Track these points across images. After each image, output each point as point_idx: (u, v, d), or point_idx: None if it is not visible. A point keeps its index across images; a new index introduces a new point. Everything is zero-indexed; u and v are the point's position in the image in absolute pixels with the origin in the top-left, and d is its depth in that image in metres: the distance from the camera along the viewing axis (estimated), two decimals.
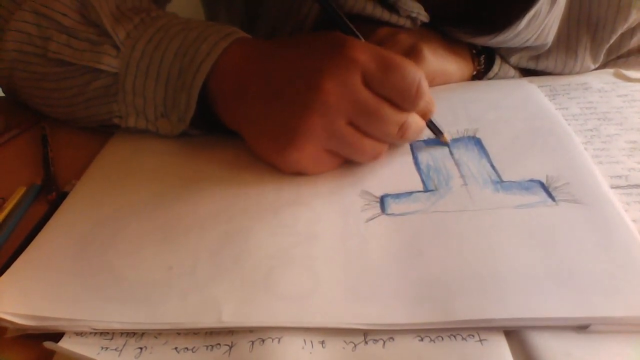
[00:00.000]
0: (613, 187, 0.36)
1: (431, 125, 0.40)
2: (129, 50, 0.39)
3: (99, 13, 0.40)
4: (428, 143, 0.42)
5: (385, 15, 0.48)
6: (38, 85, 0.43)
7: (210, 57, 0.37)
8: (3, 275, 0.31)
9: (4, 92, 0.49)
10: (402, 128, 0.36)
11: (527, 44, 0.48)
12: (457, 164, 0.39)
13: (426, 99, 0.36)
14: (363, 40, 0.38)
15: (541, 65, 0.51)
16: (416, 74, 0.35)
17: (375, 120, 0.35)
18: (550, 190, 0.36)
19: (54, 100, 0.44)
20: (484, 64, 0.51)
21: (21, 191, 0.40)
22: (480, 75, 0.52)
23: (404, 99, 0.35)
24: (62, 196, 0.39)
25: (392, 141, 0.38)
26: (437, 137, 0.41)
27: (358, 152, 0.37)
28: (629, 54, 0.52)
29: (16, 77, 0.44)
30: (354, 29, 0.39)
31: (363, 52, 0.34)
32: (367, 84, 0.34)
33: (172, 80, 0.39)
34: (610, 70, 0.52)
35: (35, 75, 0.43)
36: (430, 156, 0.40)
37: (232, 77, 0.38)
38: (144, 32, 0.39)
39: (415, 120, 0.37)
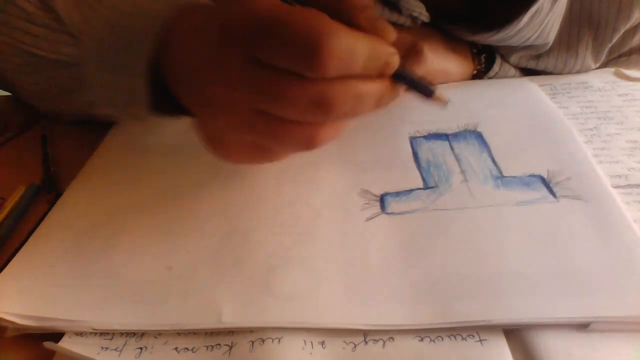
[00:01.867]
0: (613, 186, 0.35)
1: (410, 83, 0.29)
2: (83, 36, 0.35)
3: None
4: (428, 139, 0.42)
5: (385, 13, 0.47)
6: (19, 77, 0.42)
7: (148, 36, 0.31)
8: (1, 274, 0.31)
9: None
10: (323, 103, 0.26)
11: (528, 43, 0.48)
12: (457, 158, 0.39)
13: (343, 55, 0.25)
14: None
15: (541, 65, 0.51)
16: (313, 27, 0.24)
17: (279, 99, 0.26)
18: (551, 185, 0.36)
19: (36, 94, 0.42)
20: (484, 63, 0.51)
21: (21, 191, 0.40)
22: (480, 74, 0.52)
23: (298, 64, 0.25)
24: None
25: (318, 120, 0.28)
26: (427, 97, 0.29)
27: (279, 141, 0.29)
28: (631, 52, 0.52)
29: (2, 68, 0.42)
30: None
31: (237, 16, 0.26)
32: (252, 58, 0.26)
33: (123, 66, 0.33)
34: (611, 70, 0.52)
35: (14, 65, 0.41)
36: (430, 151, 0.40)
37: (172, 57, 0.32)
38: (98, 13, 0.35)
39: (347, 88, 0.26)
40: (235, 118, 0.28)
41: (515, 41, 0.47)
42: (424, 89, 0.29)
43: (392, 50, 0.28)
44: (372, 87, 0.27)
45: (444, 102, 0.29)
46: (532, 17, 0.44)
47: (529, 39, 0.47)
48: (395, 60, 0.28)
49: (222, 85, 0.28)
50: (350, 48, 0.25)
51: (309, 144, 0.29)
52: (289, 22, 0.25)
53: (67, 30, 0.36)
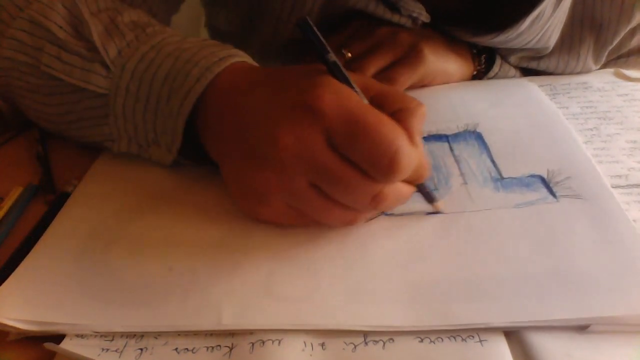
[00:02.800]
0: (613, 186, 0.36)
1: (422, 190, 0.34)
2: (119, 70, 0.36)
3: (90, 28, 0.37)
4: (428, 140, 0.42)
5: (387, 14, 0.48)
6: (32, 96, 0.41)
7: (199, 84, 0.34)
8: (6, 281, 0.31)
9: (2, 99, 0.47)
10: (376, 199, 0.30)
11: (529, 46, 0.48)
12: (457, 160, 0.39)
13: (408, 169, 0.29)
14: (347, 77, 0.31)
15: (542, 66, 0.51)
16: (393, 141, 0.28)
17: (340, 188, 0.30)
18: (551, 185, 0.36)
19: (48, 116, 0.41)
20: (484, 64, 0.51)
21: (18, 191, 0.40)
22: (480, 74, 0.52)
23: (374, 170, 0.29)
24: (62, 196, 0.39)
25: (364, 210, 0.32)
26: (429, 203, 0.35)
27: (323, 217, 0.32)
28: (629, 54, 0.52)
29: (13, 85, 0.42)
30: (343, 70, 0.31)
31: (332, 104, 0.28)
32: (332, 144, 0.29)
33: (162, 105, 0.35)
34: (611, 70, 0.52)
35: (29, 85, 0.40)
36: (430, 154, 0.40)
37: (215, 109, 0.34)
38: (135, 50, 0.36)
39: (395, 189, 0.31)
40: (291, 185, 0.30)
41: (515, 44, 0.47)
42: (430, 196, 0.34)
43: (427, 165, 0.32)
44: (408, 190, 0.32)
45: (439, 210, 0.35)
46: (533, 22, 0.44)
47: (529, 42, 0.47)
48: (426, 174, 0.33)
49: (292, 153, 0.29)
50: (412, 163, 0.29)
51: (349, 224, 0.33)
52: (377, 130, 0.28)
53: (101, 60, 0.37)
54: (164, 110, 0.35)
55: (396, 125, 0.29)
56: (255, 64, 0.37)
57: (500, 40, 0.46)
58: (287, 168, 0.30)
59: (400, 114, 0.31)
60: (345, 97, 0.29)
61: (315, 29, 0.30)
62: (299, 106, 0.29)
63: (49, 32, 0.38)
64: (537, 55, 0.50)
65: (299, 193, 0.30)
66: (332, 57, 0.30)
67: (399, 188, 0.31)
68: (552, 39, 0.48)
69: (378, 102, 0.32)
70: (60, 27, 0.38)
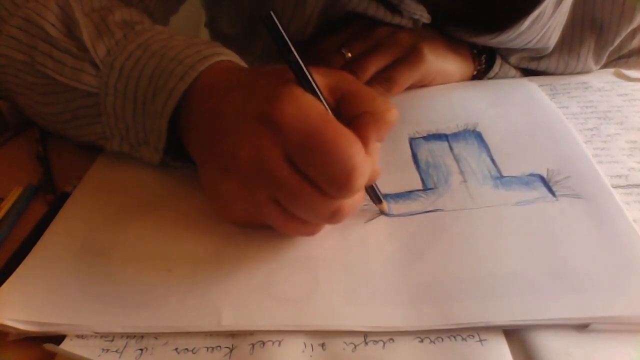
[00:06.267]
0: (613, 186, 0.35)
1: (370, 191, 0.34)
2: (108, 68, 0.36)
3: (80, 27, 0.37)
4: (427, 139, 0.42)
5: (387, 16, 0.48)
6: (29, 95, 0.41)
7: (183, 82, 0.33)
8: (6, 282, 0.31)
9: (2, 98, 0.47)
10: (335, 215, 0.29)
11: (529, 46, 0.48)
12: (456, 159, 0.39)
13: (363, 185, 0.28)
14: (310, 80, 0.30)
15: (542, 66, 0.51)
16: (349, 159, 0.27)
17: (299, 204, 0.29)
18: (550, 184, 0.36)
19: (44, 115, 0.42)
20: (484, 64, 0.51)
21: (18, 191, 0.40)
22: (480, 74, 0.52)
23: (330, 187, 0.28)
24: (62, 196, 0.39)
25: (322, 223, 0.32)
26: (375, 204, 0.35)
27: (282, 229, 0.31)
28: (630, 54, 0.52)
29: (11, 82, 0.42)
30: (307, 73, 0.30)
31: (292, 118, 0.28)
32: (290, 159, 0.28)
33: (148, 103, 0.35)
34: (611, 70, 0.52)
35: (26, 83, 0.40)
36: (429, 152, 0.40)
37: (197, 110, 0.34)
38: (123, 49, 0.36)
39: (352, 200, 0.30)
40: (252, 197, 0.30)
41: (515, 44, 0.47)
42: (378, 198, 0.34)
43: (378, 170, 0.32)
44: (361, 197, 0.32)
45: (384, 211, 0.35)
46: (533, 22, 0.44)
47: (529, 42, 0.47)
48: (377, 178, 0.32)
49: (250, 166, 0.29)
50: (367, 175, 0.28)
51: (308, 235, 0.32)
52: (333, 147, 0.27)
53: (91, 59, 0.37)
54: (150, 109, 0.35)
55: (354, 139, 0.28)
56: (241, 62, 0.37)
57: (500, 40, 0.46)
58: (247, 182, 0.30)
59: (363, 118, 0.30)
60: (306, 109, 0.28)
61: (280, 26, 0.29)
62: (260, 118, 0.29)
63: (42, 30, 0.38)
64: (537, 55, 0.50)
65: (259, 206, 0.30)
66: (295, 57, 0.29)
67: (356, 198, 0.31)
68: (552, 40, 0.48)
69: (347, 102, 0.31)
70: (53, 26, 0.38)
